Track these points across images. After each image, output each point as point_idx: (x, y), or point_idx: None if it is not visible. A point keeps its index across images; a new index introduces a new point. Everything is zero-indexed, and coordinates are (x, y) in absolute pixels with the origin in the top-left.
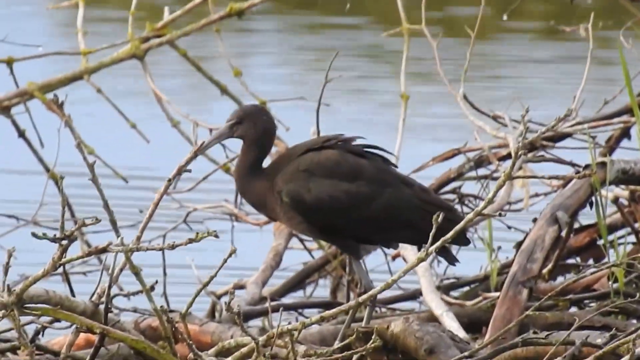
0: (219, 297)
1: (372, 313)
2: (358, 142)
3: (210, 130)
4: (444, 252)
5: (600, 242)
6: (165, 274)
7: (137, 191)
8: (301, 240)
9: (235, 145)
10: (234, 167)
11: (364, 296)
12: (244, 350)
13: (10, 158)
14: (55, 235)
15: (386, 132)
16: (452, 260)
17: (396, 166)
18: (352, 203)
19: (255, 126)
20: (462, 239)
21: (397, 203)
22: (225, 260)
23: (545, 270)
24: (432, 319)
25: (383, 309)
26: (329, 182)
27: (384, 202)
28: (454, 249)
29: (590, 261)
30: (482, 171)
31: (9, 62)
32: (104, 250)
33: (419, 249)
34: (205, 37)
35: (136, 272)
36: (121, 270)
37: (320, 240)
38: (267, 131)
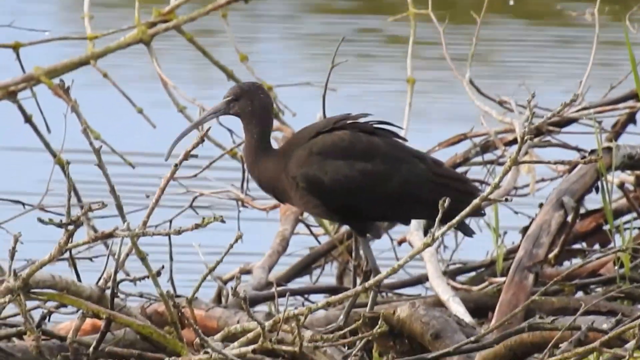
0: (225, 282)
1: (376, 298)
2: (367, 119)
3: None
4: (460, 225)
5: (606, 227)
6: (171, 259)
7: (144, 172)
8: (307, 226)
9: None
10: (243, 148)
11: (371, 281)
12: (250, 335)
13: (17, 141)
14: (61, 220)
15: (392, 117)
16: (468, 232)
17: (406, 140)
18: (369, 182)
19: (252, 103)
20: (476, 211)
21: (413, 179)
22: (231, 246)
23: (551, 255)
24: (439, 304)
25: (389, 294)
26: (344, 163)
27: (400, 178)
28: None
29: (596, 246)
30: (488, 156)
31: (16, 47)
32: (110, 235)
33: (427, 231)
34: (211, 23)
35: (142, 257)
36: (127, 255)
37: (335, 221)
38: (265, 107)
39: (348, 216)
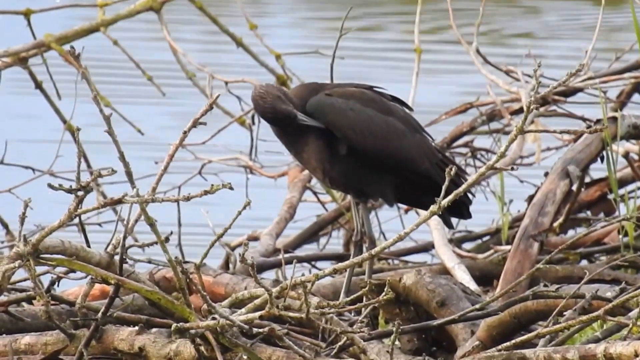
0: (233, 248)
1: (372, 266)
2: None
3: (226, 82)
4: (444, 215)
5: (611, 196)
6: (180, 225)
7: (152, 144)
8: (315, 193)
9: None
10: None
11: (377, 249)
12: (257, 301)
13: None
14: (71, 186)
15: (398, 86)
16: (449, 223)
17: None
18: (387, 131)
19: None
20: (464, 211)
21: (424, 147)
22: (239, 212)
23: (556, 224)
24: (444, 271)
25: (395, 262)
26: (367, 109)
27: (413, 142)
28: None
29: (601, 215)
30: (494, 125)
31: (27, 14)
32: (120, 201)
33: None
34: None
35: (151, 224)
36: (136, 221)
37: (333, 181)
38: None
39: (352, 163)
